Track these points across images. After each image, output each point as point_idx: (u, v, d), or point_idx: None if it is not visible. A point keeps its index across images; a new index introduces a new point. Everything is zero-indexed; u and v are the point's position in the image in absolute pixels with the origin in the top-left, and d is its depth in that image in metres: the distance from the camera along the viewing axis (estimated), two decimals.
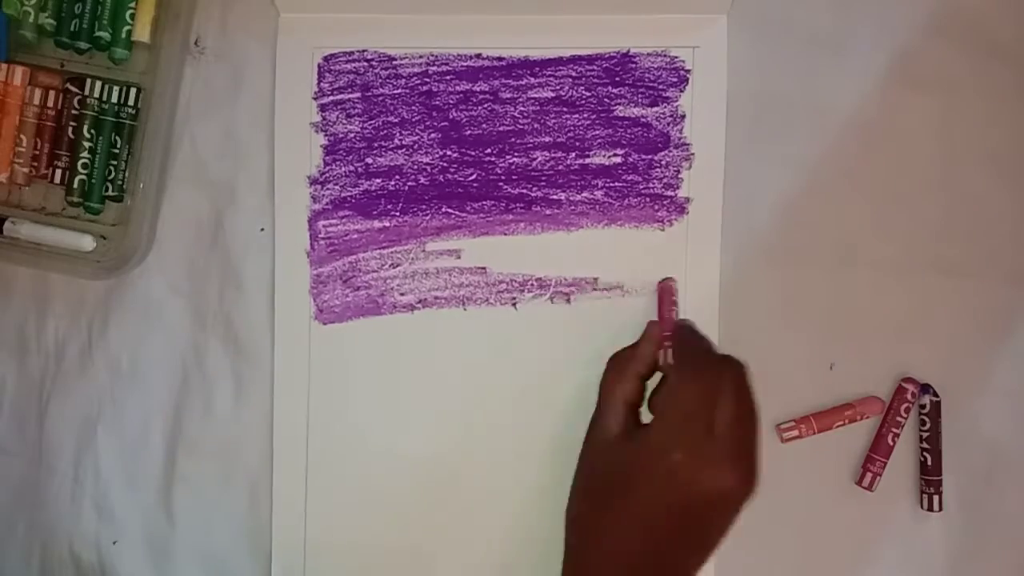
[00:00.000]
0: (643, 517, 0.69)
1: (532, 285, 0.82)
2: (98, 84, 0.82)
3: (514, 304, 0.82)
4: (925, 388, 0.81)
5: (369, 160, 0.83)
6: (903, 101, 0.82)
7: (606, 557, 0.70)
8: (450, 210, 0.82)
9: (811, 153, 0.82)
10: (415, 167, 0.83)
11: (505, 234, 0.82)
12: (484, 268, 0.82)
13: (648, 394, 0.75)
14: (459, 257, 0.83)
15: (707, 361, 0.72)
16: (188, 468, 0.84)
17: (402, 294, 0.82)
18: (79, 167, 0.82)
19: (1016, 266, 0.82)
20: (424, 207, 0.82)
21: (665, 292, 0.81)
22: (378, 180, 0.83)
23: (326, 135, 0.83)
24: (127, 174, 0.82)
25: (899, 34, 0.82)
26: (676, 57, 0.82)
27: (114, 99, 0.82)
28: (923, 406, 0.81)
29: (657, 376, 0.76)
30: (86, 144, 0.82)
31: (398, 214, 0.82)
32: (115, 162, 0.82)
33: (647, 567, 0.69)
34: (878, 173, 0.82)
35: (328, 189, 0.83)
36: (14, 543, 0.85)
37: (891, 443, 0.81)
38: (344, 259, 0.82)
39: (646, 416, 0.74)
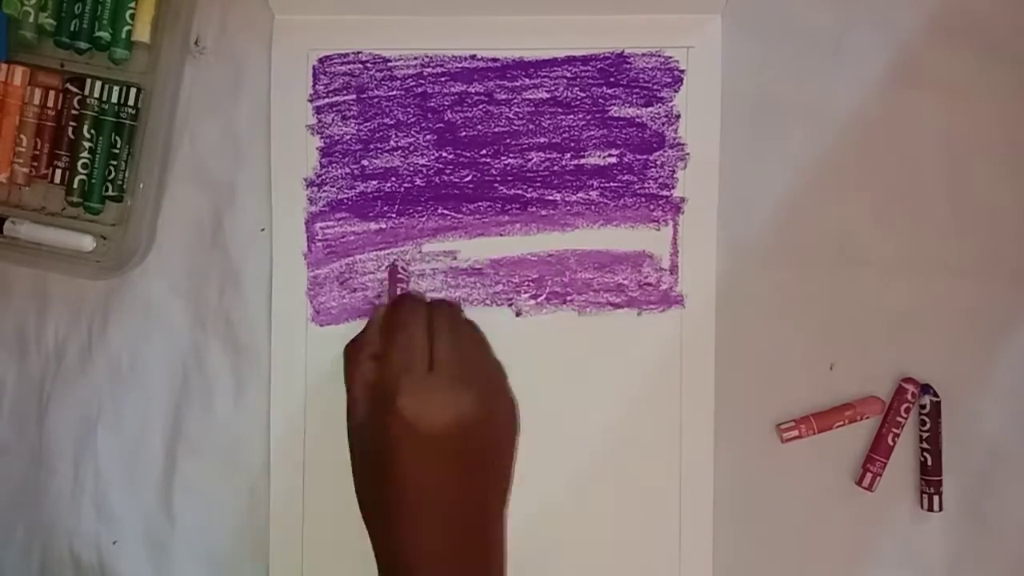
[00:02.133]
0: (411, 473, 0.69)
1: (529, 286, 0.82)
2: (98, 84, 0.82)
3: (510, 304, 0.82)
4: (925, 388, 0.81)
5: (365, 162, 0.83)
6: (902, 101, 0.82)
7: (408, 527, 0.70)
8: (446, 211, 0.82)
9: (808, 153, 0.82)
10: (411, 169, 0.83)
11: (501, 235, 0.82)
12: (480, 269, 0.82)
13: None
14: (455, 258, 0.83)
15: (413, 311, 0.73)
16: (188, 468, 0.84)
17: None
18: (79, 167, 0.82)
19: (1017, 266, 0.81)
20: (420, 209, 0.82)
21: (392, 273, 0.82)
22: (374, 182, 0.83)
23: (322, 137, 0.83)
24: (127, 174, 0.82)
25: (897, 34, 0.82)
26: (670, 57, 0.82)
27: (114, 99, 0.82)
28: (923, 406, 0.81)
29: None
30: (86, 144, 0.82)
31: (394, 216, 0.82)
32: (115, 162, 0.82)
33: (449, 516, 0.70)
34: (876, 173, 0.82)
35: (325, 191, 0.83)
36: (14, 543, 0.85)
37: (891, 443, 0.81)
38: (341, 261, 0.83)
39: None
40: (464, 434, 0.69)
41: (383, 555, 0.71)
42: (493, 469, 0.72)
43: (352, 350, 0.76)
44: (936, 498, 0.80)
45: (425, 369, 0.70)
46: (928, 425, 0.80)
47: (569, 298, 0.82)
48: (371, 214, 0.83)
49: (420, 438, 0.68)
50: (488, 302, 0.83)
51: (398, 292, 0.80)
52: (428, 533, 0.69)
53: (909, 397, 0.81)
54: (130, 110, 0.82)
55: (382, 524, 0.71)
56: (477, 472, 0.71)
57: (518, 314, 0.82)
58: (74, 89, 0.83)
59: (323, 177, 0.83)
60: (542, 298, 0.82)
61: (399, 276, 0.81)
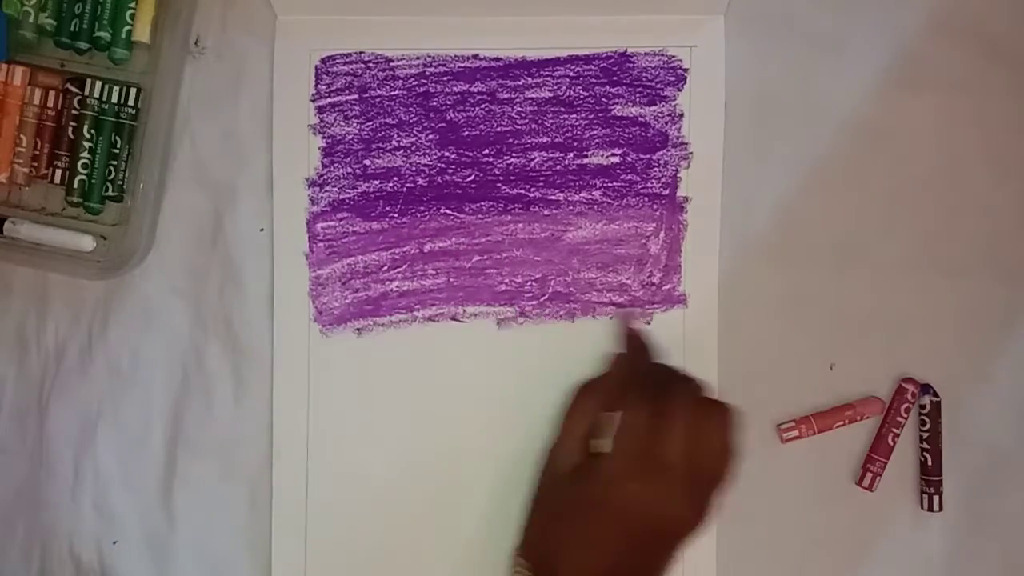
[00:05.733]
0: (600, 546, 0.70)
1: (532, 286, 0.82)
2: (98, 84, 0.82)
3: (512, 304, 0.82)
4: (925, 388, 0.81)
5: (367, 162, 0.83)
6: (902, 101, 0.82)
7: None
8: (448, 211, 0.82)
9: (810, 152, 0.82)
10: (413, 168, 0.83)
11: (504, 235, 0.82)
12: (483, 269, 0.82)
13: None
14: (458, 259, 0.82)
15: (656, 388, 0.73)
16: (188, 468, 0.84)
17: (401, 296, 0.83)
18: (79, 167, 0.82)
19: (1016, 266, 0.82)
20: (422, 208, 0.82)
21: (624, 321, 0.82)
22: (376, 182, 0.83)
23: (324, 137, 0.83)
24: (127, 174, 0.82)
25: (898, 34, 0.82)
26: (673, 56, 0.82)
27: (114, 99, 0.82)
28: (923, 406, 0.81)
29: None
30: (86, 144, 0.82)
31: (396, 216, 0.82)
32: (115, 162, 0.82)
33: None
34: (877, 173, 0.82)
35: (326, 191, 0.83)
36: (14, 543, 0.85)
37: (891, 443, 0.81)
38: (343, 261, 0.82)
39: None
40: (664, 539, 0.71)
41: None
42: (664, 565, 0.72)
43: (584, 394, 0.76)
44: (936, 498, 0.80)
45: (656, 461, 0.70)
46: (928, 425, 0.80)
47: (572, 298, 0.82)
48: (373, 214, 0.83)
49: (632, 525, 0.70)
50: (491, 302, 0.83)
51: (635, 342, 0.81)
52: None
53: (909, 397, 0.81)
54: (130, 110, 0.82)
55: (548, 565, 0.72)
56: (657, 565, 0.72)
57: (521, 315, 0.82)
58: (74, 89, 0.82)
59: (325, 177, 0.83)
60: (545, 298, 0.82)
61: (632, 327, 0.82)
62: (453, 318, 0.83)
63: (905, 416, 0.81)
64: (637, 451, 0.70)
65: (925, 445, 0.81)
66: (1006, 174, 0.82)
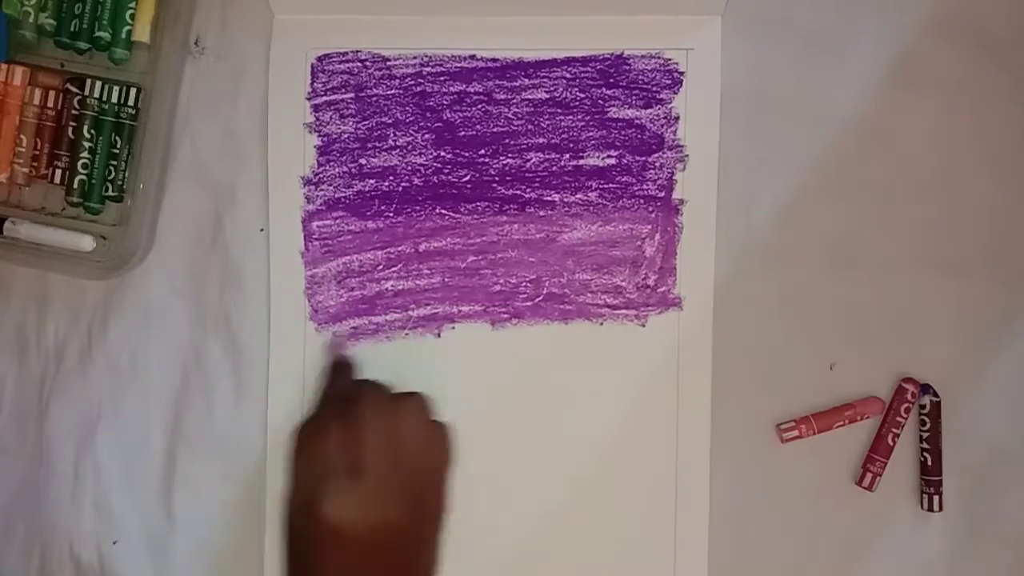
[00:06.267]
0: (344, 572, 0.69)
1: (527, 287, 0.82)
2: (98, 84, 0.82)
3: (506, 305, 0.82)
4: (925, 388, 0.81)
5: (363, 161, 0.83)
6: (902, 101, 0.82)
7: None
8: (444, 211, 0.82)
9: (808, 153, 0.82)
10: (409, 168, 0.83)
11: (499, 235, 0.82)
12: (478, 269, 0.83)
13: None
14: (453, 258, 0.82)
15: (343, 401, 0.73)
16: (188, 468, 0.84)
17: (396, 295, 0.83)
18: (79, 167, 0.82)
19: (1016, 266, 0.82)
20: (418, 208, 0.82)
21: (331, 351, 0.83)
22: (372, 181, 0.83)
23: (319, 135, 0.83)
24: (127, 174, 0.82)
25: (898, 34, 0.82)
26: (670, 59, 0.82)
27: (114, 99, 0.82)
28: (923, 406, 0.81)
29: None
30: (86, 144, 0.82)
31: (392, 215, 0.82)
32: (115, 162, 0.82)
33: None
34: (876, 173, 0.82)
35: (322, 190, 0.83)
36: (14, 543, 0.85)
37: (891, 443, 0.81)
38: (338, 260, 0.83)
39: None
40: (392, 534, 0.70)
41: None
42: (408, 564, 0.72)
43: (302, 436, 0.74)
44: (936, 498, 0.80)
45: (349, 475, 0.69)
46: (928, 425, 0.80)
47: (566, 300, 0.82)
48: (369, 213, 0.83)
49: (352, 538, 0.68)
50: (486, 303, 0.83)
51: (337, 369, 0.82)
52: None
53: (909, 397, 0.80)
54: (130, 110, 0.82)
55: None
56: (398, 555, 0.71)
57: (516, 316, 0.82)
58: (74, 89, 0.83)
59: (320, 176, 0.83)
60: (539, 299, 0.82)
61: (338, 352, 0.83)
62: (448, 319, 0.83)
63: (905, 416, 0.81)
64: (334, 467, 0.69)
65: (925, 445, 0.81)
66: (1006, 174, 0.82)
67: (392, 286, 0.83)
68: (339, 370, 0.81)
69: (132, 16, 0.82)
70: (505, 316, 0.82)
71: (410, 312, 0.83)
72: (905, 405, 0.81)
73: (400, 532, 0.70)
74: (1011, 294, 0.82)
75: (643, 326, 0.82)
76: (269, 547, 0.83)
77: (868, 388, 0.82)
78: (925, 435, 0.81)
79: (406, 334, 0.83)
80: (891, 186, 0.82)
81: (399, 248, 0.82)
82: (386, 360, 0.83)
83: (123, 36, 0.82)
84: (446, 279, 0.83)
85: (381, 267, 0.83)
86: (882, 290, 0.82)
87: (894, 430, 0.81)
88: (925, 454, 0.81)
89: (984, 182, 0.82)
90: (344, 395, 0.75)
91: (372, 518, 0.68)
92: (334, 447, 0.70)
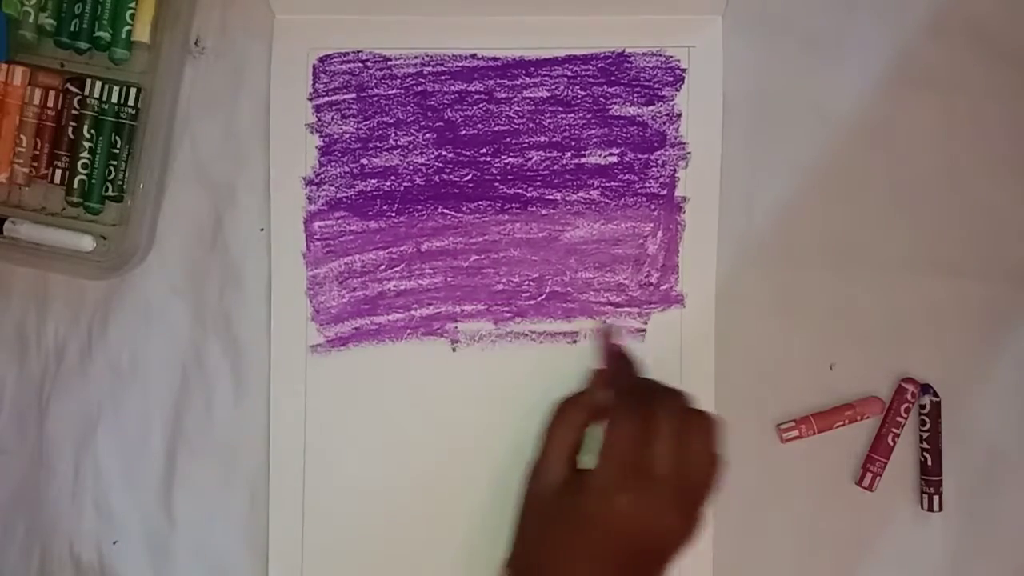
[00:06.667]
0: (591, 561, 0.70)
1: (529, 285, 0.82)
2: (98, 84, 0.82)
3: (509, 304, 0.82)
4: (925, 388, 0.81)
5: (364, 161, 0.83)
6: (902, 101, 0.82)
7: None
8: (446, 211, 0.82)
9: (808, 152, 0.82)
10: (410, 168, 0.83)
11: (501, 234, 0.82)
12: (480, 268, 0.82)
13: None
14: (455, 258, 0.82)
15: (641, 401, 0.72)
16: (188, 468, 0.84)
17: (398, 295, 0.83)
18: (79, 167, 0.82)
19: (1016, 266, 0.82)
20: (420, 208, 0.82)
21: (604, 337, 0.82)
22: (373, 181, 0.83)
23: (321, 136, 0.83)
24: (127, 174, 0.82)
25: (898, 34, 0.82)
26: (671, 57, 0.82)
27: (114, 99, 0.82)
28: (923, 406, 0.81)
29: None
30: (86, 144, 0.82)
31: (394, 215, 0.82)
32: (115, 162, 0.82)
33: None
34: (877, 173, 0.82)
35: (324, 190, 0.83)
36: (14, 543, 0.84)
37: (891, 443, 0.81)
38: (340, 260, 0.82)
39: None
40: (655, 551, 0.71)
41: None
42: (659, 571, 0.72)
43: (565, 409, 0.76)
44: (936, 498, 0.80)
45: (644, 473, 0.69)
46: (928, 425, 0.80)
47: (569, 298, 0.82)
48: (370, 213, 0.83)
49: (622, 539, 0.69)
50: (488, 302, 0.83)
51: (617, 357, 0.81)
52: None
53: (909, 397, 0.81)
54: (130, 110, 0.82)
55: None
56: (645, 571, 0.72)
57: (518, 315, 0.82)
58: (74, 89, 0.82)
59: (322, 176, 0.83)
60: (542, 298, 0.82)
61: (612, 341, 0.82)
62: (450, 319, 0.83)
63: (905, 416, 0.81)
64: (625, 464, 0.70)
65: (925, 445, 0.81)
66: (1006, 174, 0.82)
67: (394, 286, 0.83)
68: (620, 361, 0.81)
69: (132, 16, 0.82)
70: (508, 315, 0.82)
71: (412, 312, 0.83)
72: (905, 405, 0.81)
73: (658, 543, 0.71)
74: (1011, 294, 0.82)
75: (645, 324, 0.82)
76: (271, 547, 0.83)
77: (868, 388, 0.82)
78: (925, 435, 0.81)
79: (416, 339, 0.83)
80: (891, 186, 0.82)
81: (401, 248, 0.82)
82: (389, 360, 0.83)
83: (123, 36, 0.82)
84: (448, 279, 0.83)
85: (383, 267, 0.82)
86: (882, 290, 0.82)
87: (894, 430, 0.81)
88: (925, 454, 0.81)
89: (984, 182, 0.82)
90: (639, 392, 0.75)
91: (649, 522, 0.69)
92: (628, 443, 0.70)
